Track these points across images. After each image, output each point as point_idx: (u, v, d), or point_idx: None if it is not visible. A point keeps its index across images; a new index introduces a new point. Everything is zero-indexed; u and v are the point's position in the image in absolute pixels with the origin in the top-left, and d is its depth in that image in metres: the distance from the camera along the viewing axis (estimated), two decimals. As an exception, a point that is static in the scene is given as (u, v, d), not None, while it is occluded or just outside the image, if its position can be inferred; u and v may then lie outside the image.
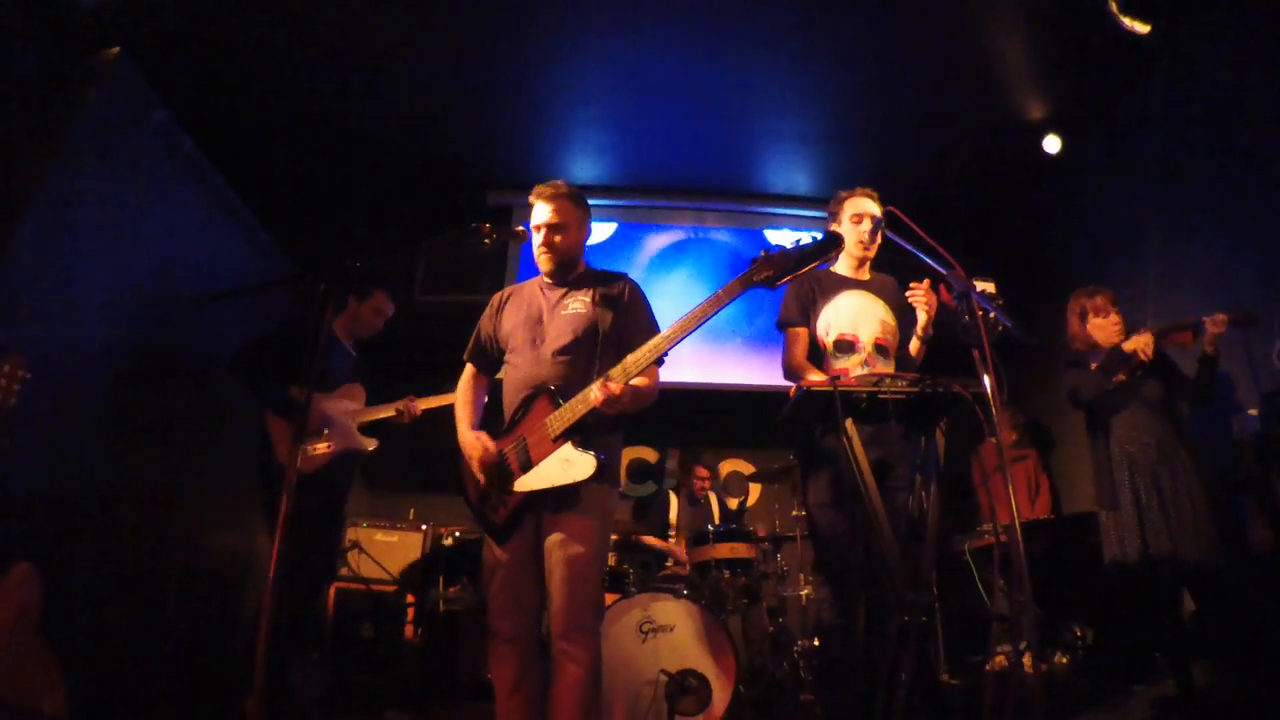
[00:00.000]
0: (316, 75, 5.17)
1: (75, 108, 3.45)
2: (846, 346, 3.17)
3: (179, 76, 4.72)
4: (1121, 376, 3.76)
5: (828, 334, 3.22)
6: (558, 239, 2.78)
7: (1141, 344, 3.67)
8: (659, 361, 2.60)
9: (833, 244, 2.39)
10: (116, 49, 3.60)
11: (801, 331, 3.27)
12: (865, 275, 3.39)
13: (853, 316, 3.22)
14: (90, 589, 3.33)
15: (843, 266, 3.40)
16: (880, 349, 3.17)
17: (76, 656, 2.51)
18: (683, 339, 2.46)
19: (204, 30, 4.74)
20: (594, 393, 2.43)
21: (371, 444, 3.77)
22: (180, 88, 4.35)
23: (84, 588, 3.28)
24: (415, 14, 4.72)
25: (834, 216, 3.43)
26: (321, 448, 3.49)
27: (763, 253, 2.41)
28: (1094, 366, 3.87)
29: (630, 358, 2.47)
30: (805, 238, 2.42)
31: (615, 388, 2.41)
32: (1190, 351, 3.82)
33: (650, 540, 4.80)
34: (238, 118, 5.45)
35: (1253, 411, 4.04)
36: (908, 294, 3.12)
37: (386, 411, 3.82)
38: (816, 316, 3.27)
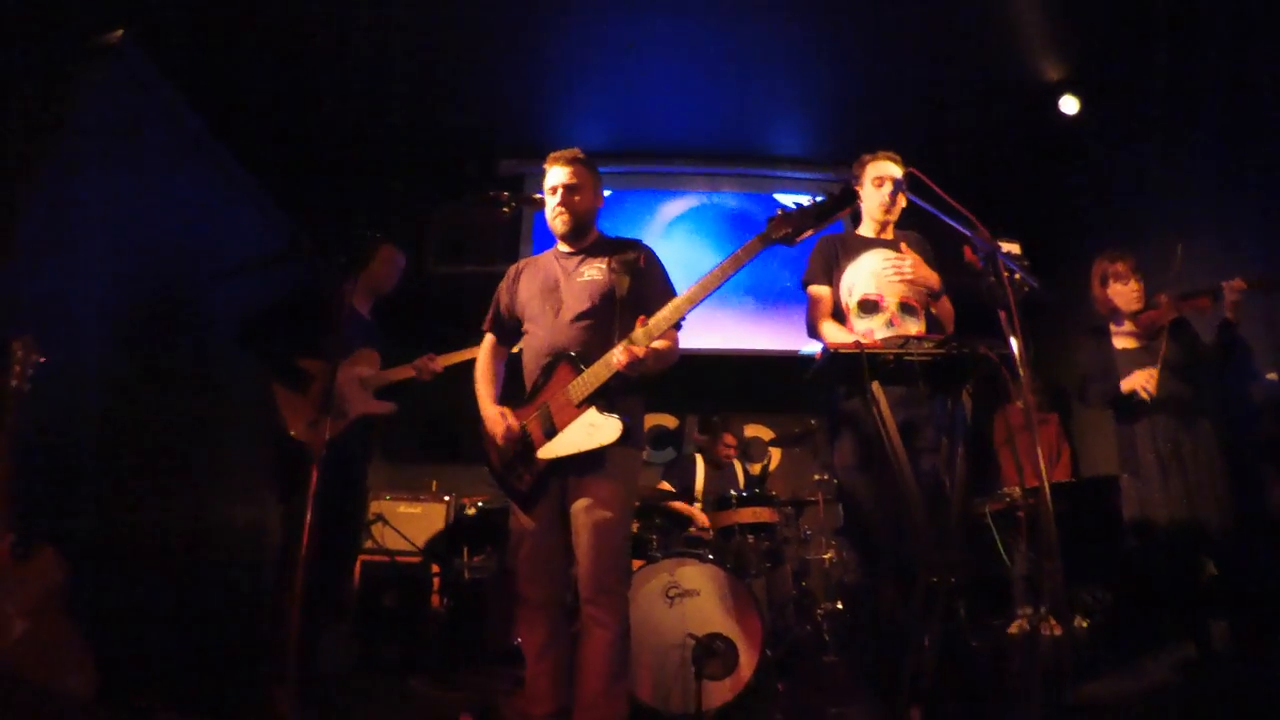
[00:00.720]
0: (323, 47, 5.11)
1: (80, 89, 3.45)
2: (871, 306, 3.14)
3: (183, 54, 4.67)
4: (1138, 338, 3.76)
5: (851, 294, 3.20)
6: (576, 199, 2.79)
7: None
8: (678, 325, 2.61)
9: (848, 198, 2.41)
10: (120, 30, 3.59)
11: (825, 290, 3.25)
12: (890, 235, 3.35)
13: (877, 277, 3.18)
14: (106, 566, 3.32)
15: (866, 229, 3.37)
16: (905, 307, 3.13)
17: (96, 635, 2.54)
18: (704, 299, 2.47)
19: (208, 5, 4.69)
20: (617, 356, 2.44)
21: (387, 407, 3.70)
22: (185, 65, 4.32)
23: (99, 565, 3.28)
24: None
25: (856, 179, 3.39)
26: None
27: (779, 211, 2.42)
28: (1114, 330, 3.86)
29: (653, 320, 2.47)
30: (821, 193, 2.44)
31: (639, 350, 2.42)
32: (1210, 317, 3.78)
33: (675, 505, 4.82)
34: (244, 93, 5.38)
35: (1272, 376, 4.04)
36: (883, 272, 3.11)
37: (405, 373, 3.74)
38: (840, 277, 3.24)
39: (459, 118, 5.94)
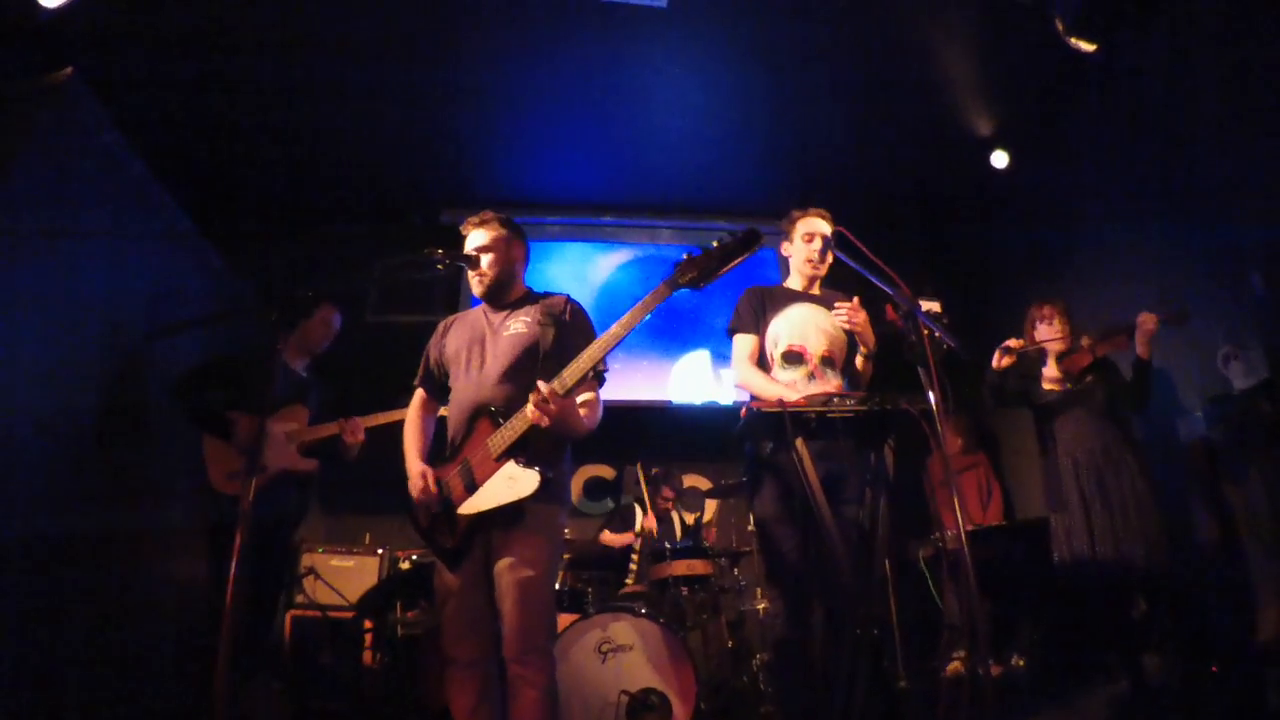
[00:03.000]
0: (268, 98, 5.13)
1: (26, 130, 3.39)
2: (794, 358, 3.18)
3: (128, 100, 4.65)
4: (1060, 382, 3.88)
5: (776, 345, 3.24)
6: (486, 264, 2.81)
7: (1063, 367, 3.89)
8: (600, 380, 2.64)
9: (752, 240, 2.41)
10: (70, 69, 3.55)
11: (751, 339, 3.29)
12: (816, 291, 3.42)
13: (802, 328, 3.23)
14: (33, 624, 3.22)
15: (794, 282, 3.44)
16: (827, 361, 3.19)
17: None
18: (615, 347, 2.48)
19: (156, 52, 4.67)
20: (529, 408, 2.43)
21: (309, 464, 3.74)
22: (128, 111, 4.29)
23: (25, 624, 3.19)
24: (365, 31, 4.70)
25: (786, 235, 3.46)
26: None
27: (685, 255, 2.45)
28: (1043, 374, 3.99)
29: (565, 370, 2.47)
30: (726, 237, 2.46)
31: (548, 400, 2.40)
32: (1128, 354, 3.91)
33: (610, 538, 4.79)
34: (188, 140, 5.39)
35: (1198, 414, 4.17)
36: (834, 313, 3.15)
37: (329, 430, 3.76)
38: (766, 327, 3.29)
39: (401, 169, 6.00)
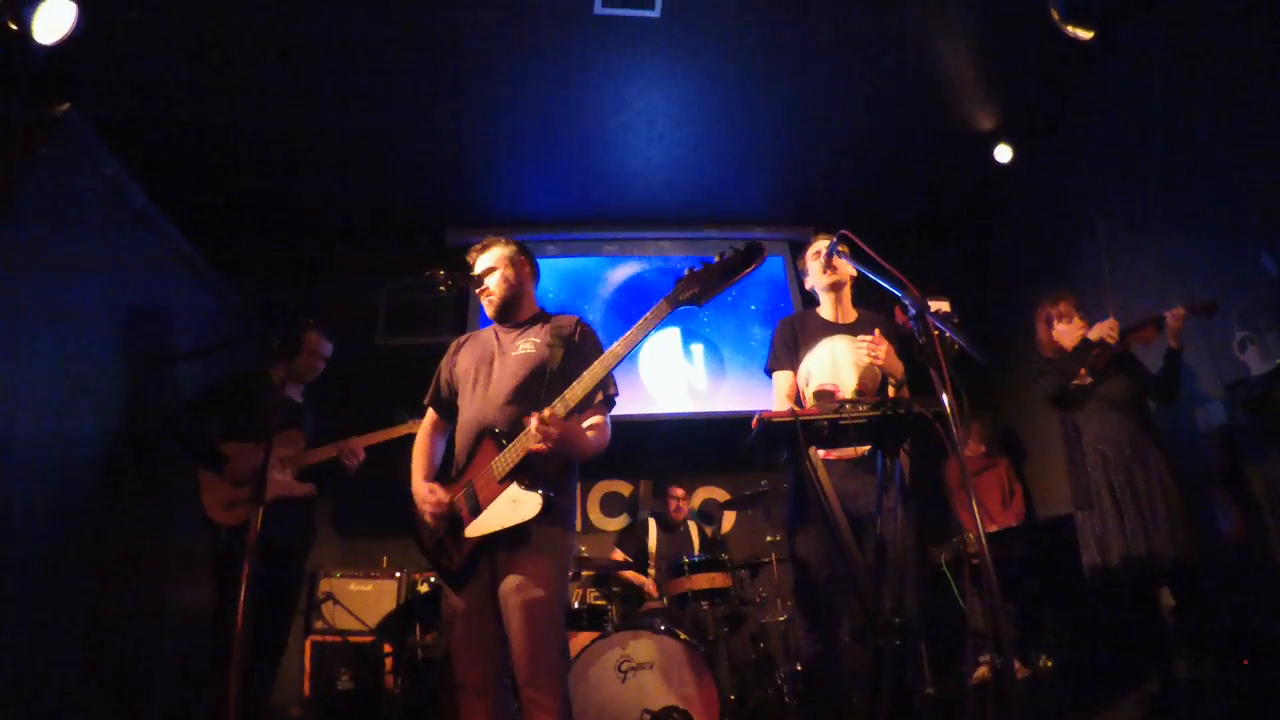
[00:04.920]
0: (271, 122, 5.17)
1: (26, 164, 3.41)
2: (827, 396, 3.14)
3: (130, 129, 4.69)
4: (1085, 376, 3.79)
5: (808, 384, 3.25)
6: (493, 284, 2.84)
7: (1105, 330, 3.73)
8: (610, 404, 2.61)
9: (754, 254, 2.38)
10: (67, 104, 3.57)
11: (789, 375, 3.32)
12: (849, 316, 3.41)
13: (833, 365, 3.24)
14: (42, 653, 3.22)
15: (825, 310, 3.44)
16: (861, 395, 3.16)
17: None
18: (617, 365, 2.45)
19: (154, 82, 4.72)
20: (531, 430, 2.40)
21: (305, 489, 3.77)
22: (129, 142, 4.31)
23: (33, 652, 3.17)
24: (368, 56, 4.73)
25: (804, 271, 3.53)
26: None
27: (688, 271, 2.41)
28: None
29: (568, 391, 2.44)
30: (728, 251, 2.42)
31: (550, 425, 2.37)
32: (1154, 348, 3.86)
33: (625, 575, 4.76)
34: (190, 168, 5.42)
35: (1217, 401, 4.10)
36: (856, 348, 3.13)
37: (328, 453, 3.77)
38: (799, 362, 3.30)
39: (406, 190, 6.02)
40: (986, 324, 6.21)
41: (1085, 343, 3.82)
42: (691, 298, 2.41)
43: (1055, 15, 4.39)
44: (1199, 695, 3.37)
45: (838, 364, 3.23)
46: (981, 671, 4.07)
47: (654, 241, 6.80)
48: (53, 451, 3.47)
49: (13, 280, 3.29)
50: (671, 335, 6.56)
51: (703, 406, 6.26)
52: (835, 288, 3.39)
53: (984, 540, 2.34)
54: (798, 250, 3.62)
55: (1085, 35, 4.45)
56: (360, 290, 5.76)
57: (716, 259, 2.39)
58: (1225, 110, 4.12)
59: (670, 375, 6.29)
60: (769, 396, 3.42)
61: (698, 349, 6.53)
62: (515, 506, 2.42)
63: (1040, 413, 4.12)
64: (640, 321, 2.44)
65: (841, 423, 2.67)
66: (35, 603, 3.27)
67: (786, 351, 3.34)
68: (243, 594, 2.25)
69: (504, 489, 2.46)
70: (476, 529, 2.50)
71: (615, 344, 2.45)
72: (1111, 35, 4.61)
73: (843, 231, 3.16)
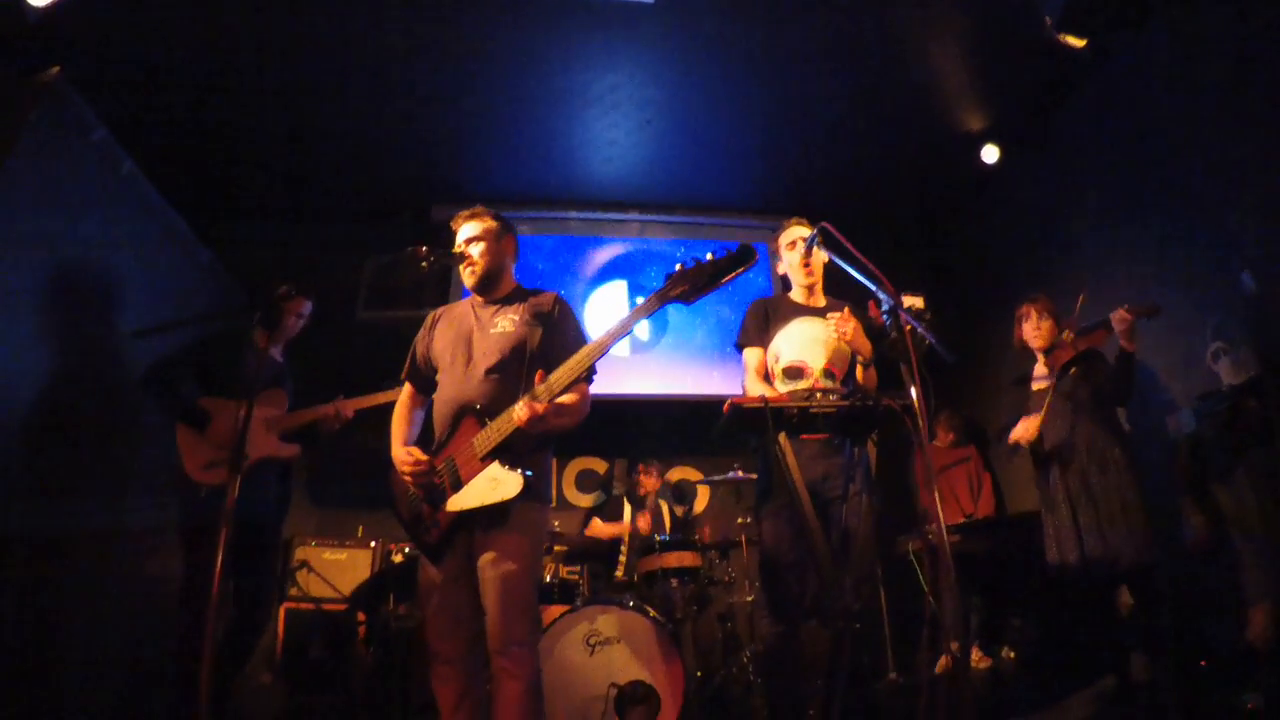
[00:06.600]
0: (259, 93, 5.13)
1: (15, 129, 3.40)
2: (795, 373, 3.23)
3: (116, 97, 4.66)
4: (1044, 378, 3.91)
5: (777, 361, 3.30)
6: (477, 253, 2.84)
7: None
8: (588, 379, 2.64)
9: (745, 256, 2.39)
10: (57, 68, 3.56)
11: (758, 352, 3.36)
12: (819, 301, 3.46)
13: (803, 343, 3.29)
14: (22, 632, 3.24)
15: (796, 294, 3.49)
16: (828, 375, 3.23)
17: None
18: (603, 354, 2.48)
19: (145, 51, 4.68)
20: (518, 412, 2.45)
21: (291, 450, 3.69)
22: (117, 108, 4.29)
23: (16, 632, 3.20)
24: (352, 28, 4.70)
25: (776, 255, 3.55)
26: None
27: (678, 267, 2.43)
28: (1034, 373, 4.01)
29: (554, 375, 2.48)
30: (720, 251, 2.43)
31: (539, 407, 2.44)
32: (1108, 349, 3.90)
33: (600, 527, 4.81)
34: (177, 137, 5.40)
35: (1187, 410, 4.17)
36: (825, 326, 3.18)
37: (313, 415, 3.72)
38: (769, 340, 3.35)
39: (392, 165, 6.00)
40: (962, 319, 6.28)
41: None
42: (681, 295, 2.42)
43: (1048, 22, 4.44)
44: (1154, 695, 3.44)
45: (807, 342, 3.28)
46: (944, 661, 4.16)
47: (639, 224, 6.82)
48: (30, 416, 3.49)
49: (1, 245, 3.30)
50: (618, 289, 6.66)
51: (676, 388, 6.35)
52: (808, 280, 3.44)
53: (944, 531, 2.42)
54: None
55: (1078, 44, 4.51)
56: (344, 264, 5.78)
57: (709, 258, 2.39)
58: (1212, 127, 4.16)
59: (651, 356, 6.36)
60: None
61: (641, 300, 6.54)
62: (495, 485, 2.47)
63: (1010, 405, 4.18)
64: (630, 313, 2.47)
65: (811, 410, 2.74)
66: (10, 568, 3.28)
67: (757, 329, 3.38)
68: (219, 559, 2.23)
69: (485, 466, 2.51)
70: (456, 504, 2.55)
71: (603, 334, 2.47)
72: (1104, 44, 4.66)
73: (823, 225, 3.22)
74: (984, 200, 6.47)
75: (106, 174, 4.04)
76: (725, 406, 2.78)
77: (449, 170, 6.12)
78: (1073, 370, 3.86)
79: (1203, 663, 3.59)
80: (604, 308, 6.51)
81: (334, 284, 5.25)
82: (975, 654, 4.55)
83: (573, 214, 6.68)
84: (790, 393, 2.82)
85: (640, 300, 2.55)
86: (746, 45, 4.97)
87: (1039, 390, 3.96)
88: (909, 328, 2.65)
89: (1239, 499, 3.69)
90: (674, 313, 6.49)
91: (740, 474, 4.90)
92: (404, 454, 2.69)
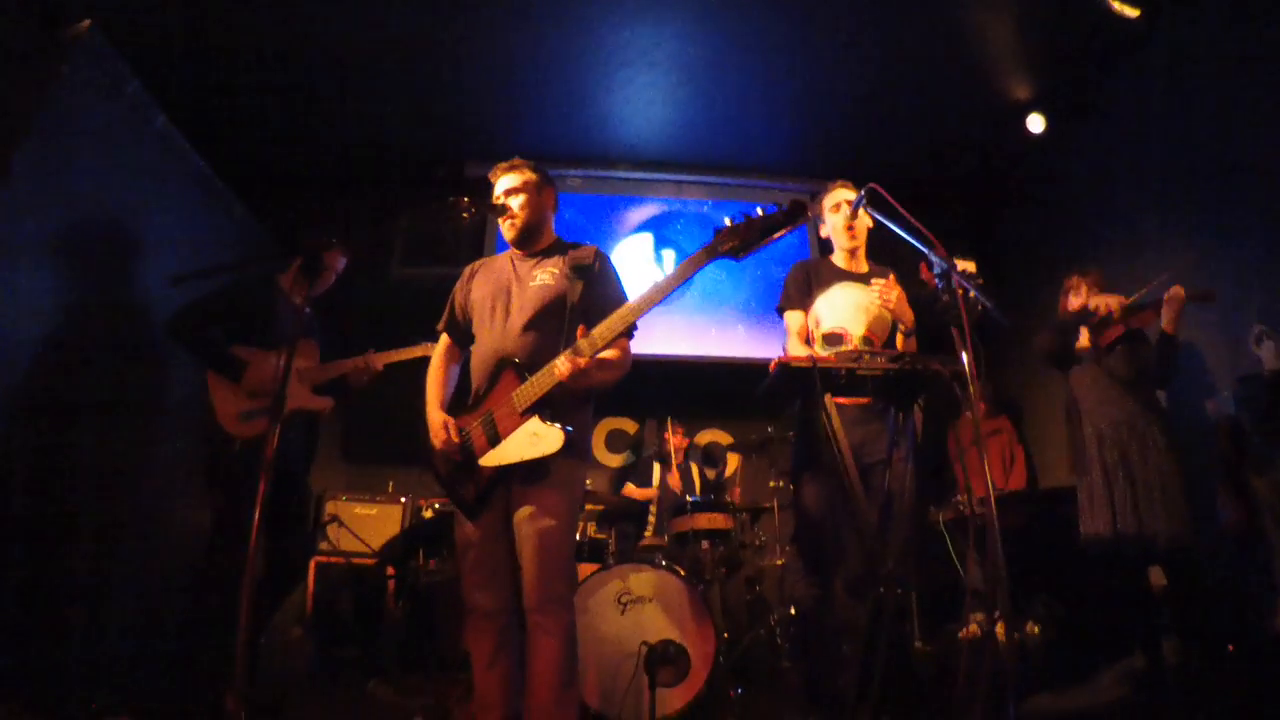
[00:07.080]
0: (290, 49, 5.08)
1: (48, 83, 3.37)
2: (835, 339, 3.20)
3: (150, 53, 4.61)
4: (1085, 341, 3.82)
5: (818, 326, 3.27)
6: (520, 204, 2.79)
7: (1107, 301, 3.74)
8: (629, 334, 2.59)
9: (797, 213, 2.33)
10: (88, 22, 3.53)
11: (800, 316, 3.33)
12: (862, 267, 3.41)
13: (844, 309, 3.25)
14: (40, 565, 3.22)
15: (838, 258, 3.44)
16: (868, 342, 3.19)
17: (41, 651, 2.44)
18: (649, 310, 2.43)
19: (179, 10, 4.66)
20: (560, 366, 2.42)
21: (324, 403, 3.61)
22: (152, 65, 4.25)
23: (31, 563, 3.17)
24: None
25: (819, 218, 3.49)
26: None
27: (728, 222, 2.37)
28: (1077, 341, 3.93)
29: (596, 330, 2.44)
30: (771, 206, 2.38)
31: (582, 361, 2.40)
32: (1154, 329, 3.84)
33: (634, 490, 4.80)
34: (211, 93, 5.36)
35: (1226, 393, 4.10)
36: (868, 293, 3.12)
37: (343, 367, 3.63)
38: (811, 305, 3.31)
39: (428, 123, 5.94)
40: (999, 289, 6.17)
41: (1084, 310, 3.83)
42: (730, 250, 2.37)
43: None
44: (1182, 677, 3.41)
45: (848, 308, 3.24)
46: (971, 629, 4.14)
47: (674, 184, 6.74)
48: (59, 373, 3.47)
49: (33, 199, 3.28)
50: (644, 241, 6.63)
51: (710, 350, 6.29)
52: (851, 244, 3.38)
53: (993, 502, 2.37)
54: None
55: (1132, 13, 4.38)
56: (378, 222, 5.75)
57: (759, 213, 2.33)
58: (1267, 103, 4.03)
59: (637, 276, 6.27)
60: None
61: (669, 255, 6.58)
62: (536, 440, 2.45)
63: (1044, 379, 4.10)
64: (677, 269, 2.42)
65: (859, 372, 2.69)
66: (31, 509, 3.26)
67: (799, 292, 3.34)
68: (257, 513, 2.19)
69: (524, 421, 2.48)
70: (494, 459, 2.52)
71: (650, 288, 2.42)
72: (1157, 16, 4.51)
73: (871, 185, 3.14)
74: (1027, 170, 6.32)
75: (139, 126, 4.01)
76: (772, 365, 2.73)
77: (483, 126, 6.03)
78: (1119, 347, 3.79)
79: (1230, 647, 3.53)
80: (629, 261, 6.47)
81: (366, 242, 5.21)
82: (1000, 628, 4.53)
83: (609, 172, 6.61)
84: (837, 354, 2.76)
85: (681, 258, 2.49)
86: (788, 4, 4.86)
87: (1083, 347, 3.89)
88: (961, 291, 2.59)
89: (1275, 485, 3.61)
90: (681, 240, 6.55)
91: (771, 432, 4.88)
92: (441, 426, 2.65)
